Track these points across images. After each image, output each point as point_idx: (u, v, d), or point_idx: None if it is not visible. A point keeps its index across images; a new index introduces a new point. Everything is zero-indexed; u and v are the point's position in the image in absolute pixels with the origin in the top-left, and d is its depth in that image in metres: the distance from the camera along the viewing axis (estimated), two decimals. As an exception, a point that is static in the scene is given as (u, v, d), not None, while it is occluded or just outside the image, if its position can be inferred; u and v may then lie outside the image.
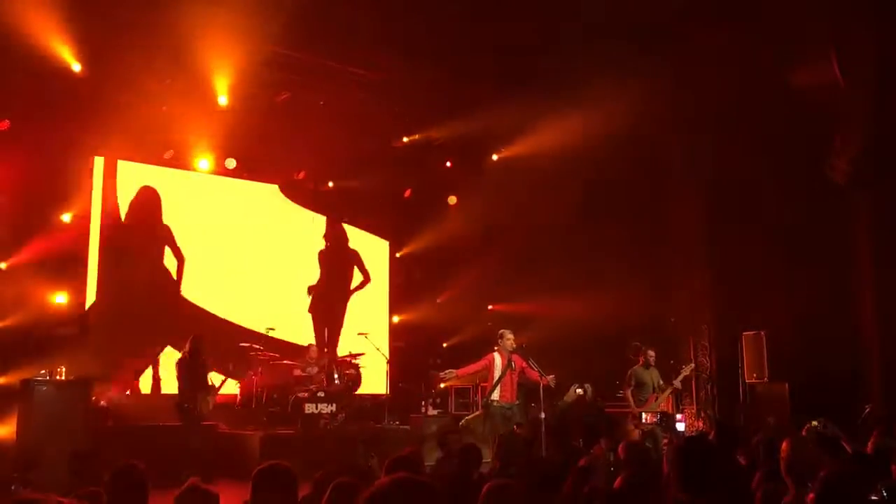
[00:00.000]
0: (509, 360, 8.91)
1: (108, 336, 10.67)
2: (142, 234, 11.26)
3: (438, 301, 13.58)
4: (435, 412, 11.19)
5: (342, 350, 12.35)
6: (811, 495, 3.10)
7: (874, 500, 3.86)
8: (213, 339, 9.93)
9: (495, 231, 12.82)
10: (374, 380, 11.73)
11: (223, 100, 10.51)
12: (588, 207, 12.10)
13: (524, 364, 8.95)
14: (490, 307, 13.20)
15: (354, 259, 13.48)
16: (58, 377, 8.86)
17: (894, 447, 4.95)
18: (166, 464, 7.35)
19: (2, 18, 8.60)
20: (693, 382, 11.44)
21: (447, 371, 9.51)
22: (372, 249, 13.68)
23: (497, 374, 8.89)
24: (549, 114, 11.27)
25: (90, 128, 10.10)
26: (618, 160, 11.71)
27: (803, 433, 5.82)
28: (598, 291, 11.08)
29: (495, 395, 8.86)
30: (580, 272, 11.30)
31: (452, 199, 13.47)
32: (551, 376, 8.78)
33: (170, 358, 10.42)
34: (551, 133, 11.58)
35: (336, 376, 11.17)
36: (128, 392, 10.74)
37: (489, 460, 6.16)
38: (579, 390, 9.90)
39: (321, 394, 10.50)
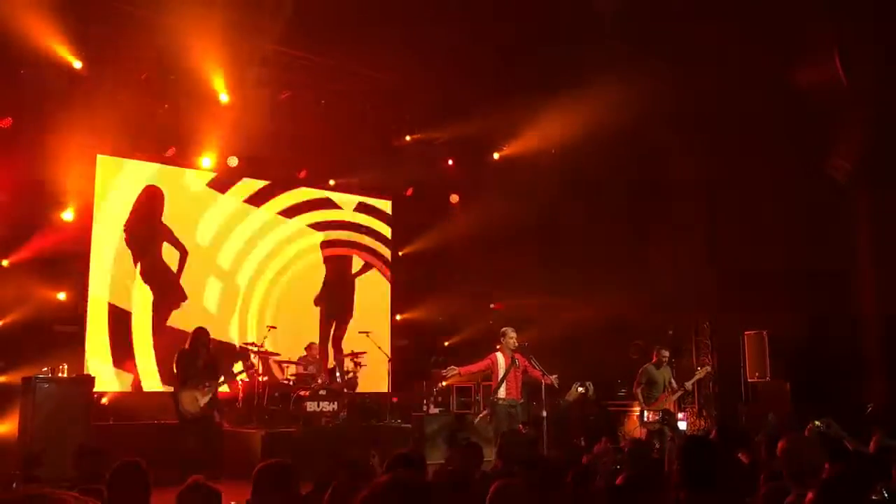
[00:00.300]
0: (512, 358, 8.91)
1: (110, 333, 10.69)
2: (143, 232, 11.24)
3: (441, 299, 13.58)
4: (436, 410, 11.18)
5: (345, 347, 12.36)
6: (809, 495, 3.09)
7: (875, 500, 3.85)
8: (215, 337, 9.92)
9: (497, 230, 12.80)
10: (376, 378, 11.73)
11: (224, 97, 10.51)
12: (590, 206, 12.10)
13: (526, 363, 8.95)
14: (492, 306, 13.19)
15: (356, 247, 13.52)
16: (59, 375, 8.86)
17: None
18: (168, 461, 7.35)
19: (3, 16, 8.60)
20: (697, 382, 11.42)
21: (449, 367, 9.50)
22: (374, 248, 13.68)
23: (501, 372, 8.88)
24: (551, 113, 11.28)
25: (91, 125, 10.09)
26: (619, 159, 11.71)
27: (806, 433, 5.81)
28: (599, 290, 11.08)
29: (501, 393, 8.85)
30: (582, 270, 11.30)
31: (454, 198, 13.47)
32: (554, 376, 8.77)
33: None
34: (552, 132, 11.59)
35: (338, 374, 11.16)
36: (129, 389, 10.74)
37: (492, 458, 6.17)
38: (581, 389, 9.87)
39: (322, 392, 10.51)
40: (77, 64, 9.50)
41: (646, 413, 9.82)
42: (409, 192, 13.54)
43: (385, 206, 13.78)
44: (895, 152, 9.63)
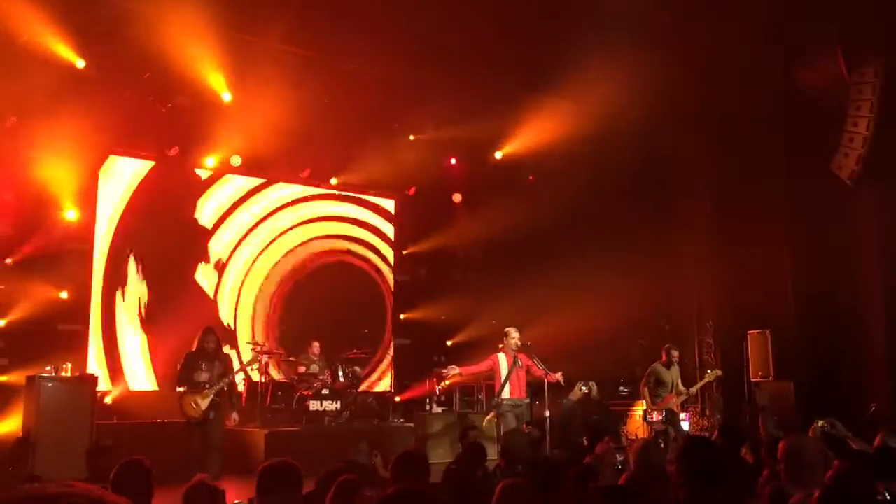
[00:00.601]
0: (515, 358, 8.90)
1: (115, 333, 10.71)
2: (147, 230, 11.25)
3: (443, 298, 13.59)
4: (439, 410, 11.19)
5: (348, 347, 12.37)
6: (817, 494, 3.09)
7: (879, 500, 3.84)
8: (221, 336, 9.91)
9: (500, 229, 12.80)
10: (379, 377, 11.76)
11: (227, 96, 10.52)
12: (593, 206, 12.10)
13: (529, 362, 8.94)
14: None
15: (359, 246, 13.54)
16: (63, 374, 8.87)
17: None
18: (172, 460, 7.37)
19: (7, 15, 8.62)
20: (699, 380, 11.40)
21: (450, 367, 9.50)
22: (376, 247, 13.68)
23: (504, 372, 8.88)
24: (553, 113, 11.27)
25: (95, 124, 10.10)
26: (623, 158, 11.70)
27: (810, 433, 5.81)
28: (602, 290, 11.07)
29: (505, 394, 8.85)
30: (585, 270, 11.28)
31: (457, 197, 13.47)
32: (559, 373, 8.77)
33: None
34: (555, 132, 11.58)
35: (340, 374, 11.18)
36: (132, 388, 10.76)
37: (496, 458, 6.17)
38: (584, 388, 9.89)
39: (325, 391, 10.52)
40: (80, 63, 9.51)
41: (650, 413, 9.82)
42: (412, 191, 13.55)
43: (388, 205, 13.79)
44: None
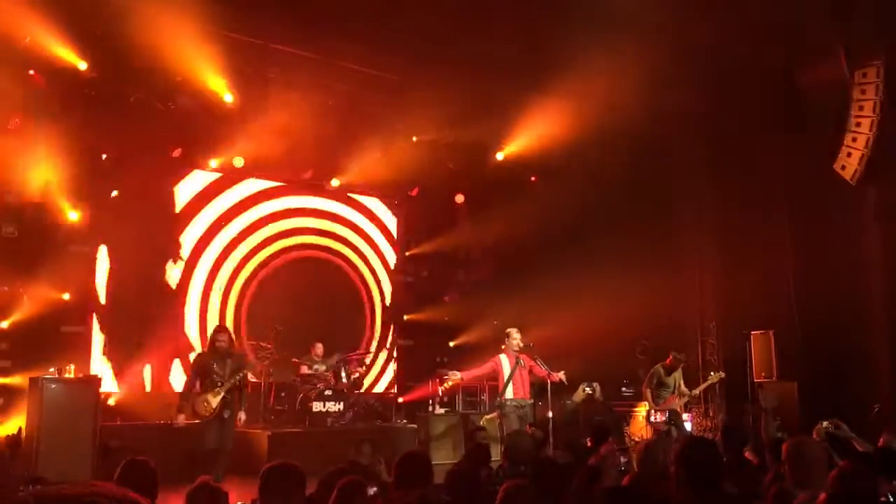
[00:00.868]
0: (517, 358, 8.90)
1: (117, 334, 10.72)
2: (149, 232, 11.26)
3: (446, 300, 13.60)
4: (442, 411, 11.19)
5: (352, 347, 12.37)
6: (822, 496, 3.09)
7: (882, 501, 3.84)
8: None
9: (502, 230, 12.80)
10: (381, 378, 11.75)
11: (230, 98, 10.52)
12: (595, 206, 12.09)
13: (532, 363, 8.94)
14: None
15: (362, 247, 13.53)
16: (66, 375, 8.88)
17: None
18: (175, 462, 7.37)
19: (9, 18, 8.63)
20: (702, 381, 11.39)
21: (451, 372, 9.50)
22: (379, 248, 13.69)
23: (506, 373, 8.88)
24: (555, 114, 11.26)
25: (98, 126, 10.13)
26: (625, 159, 11.70)
27: (814, 434, 5.79)
28: (605, 290, 11.06)
29: (508, 394, 8.85)
30: (587, 271, 11.28)
31: (460, 198, 13.48)
32: (561, 372, 8.77)
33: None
34: (557, 133, 11.57)
35: (343, 375, 11.19)
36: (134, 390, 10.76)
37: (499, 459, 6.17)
38: (588, 389, 9.90)
39: (328, 392, 10.53)
40: (82, 65, 9.52)
41: (653, 414, 9.82)
42: (415, 192, 13.55)
43: (391, 206, 13.79)
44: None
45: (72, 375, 8.94)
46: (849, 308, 10.39)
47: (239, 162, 11.49)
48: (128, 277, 10.84)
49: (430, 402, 11.41)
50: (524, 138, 12.31)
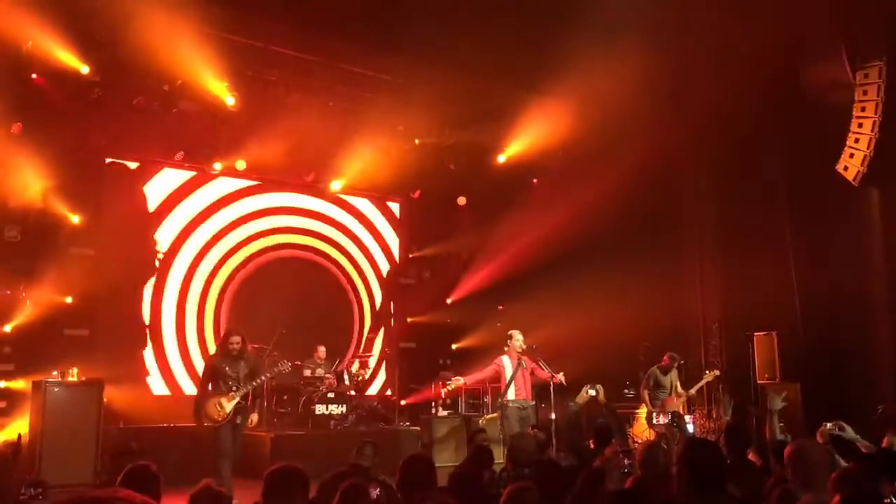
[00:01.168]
0: (519, 360, 8.89)
1: (119, 337, 10.72)
2: (150, 234, 11.26)
3: (449, 302, 13.59)
4: (445, 413, 11.18)
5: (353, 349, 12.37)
6: (836, 498, 3.07)
7: (886, 503, 3.83)
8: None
9: (504, 232, 12.80)
10: (384, 381, 11.73)
11: (231, 101, 10.53)
12: (597, 208, 12.06)
13: (534, 364, 8.94)
14: (500, 308, 13.18)
15: (364, 249, 13.52)
16: (69, 378, 8.88)
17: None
18: (177, 465, 7.37)
19: (11, 22, 8.65)
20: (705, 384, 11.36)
21: (454, 378, 9.49)
22: (381, 250, 13.68)
23: (508, 375, 8.87)
24: (556, 115, 11.26)
25: (100, 129, 10.15)
26: (627, 160, 11.67)
27: (818, 436, 5.78)
28: (607, 292, 11.05)
29: (510, 395, 8.84)
30: (590, 272, 11.26)
31: (462, 200, 13.47)
32: (561, 373, 8.76)
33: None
34: (559, 135, 11.57)
35: (346, 377, 11.18)
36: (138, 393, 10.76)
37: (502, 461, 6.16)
38: (591, 391, 9.86)
39: (331, 395, 10.52)
40: (84, 69, 9.53)
41: (655, 415, 9.82)
42: (417, 194, 13.55)
43: (393, 208, 13.79)
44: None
45: (75, 378, 8.94)
46: (852, 309, 10.37)
47: (240, 164, 11.49)
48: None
49: (433, 404, 11.40)
50: (526, 140, 12.31)
